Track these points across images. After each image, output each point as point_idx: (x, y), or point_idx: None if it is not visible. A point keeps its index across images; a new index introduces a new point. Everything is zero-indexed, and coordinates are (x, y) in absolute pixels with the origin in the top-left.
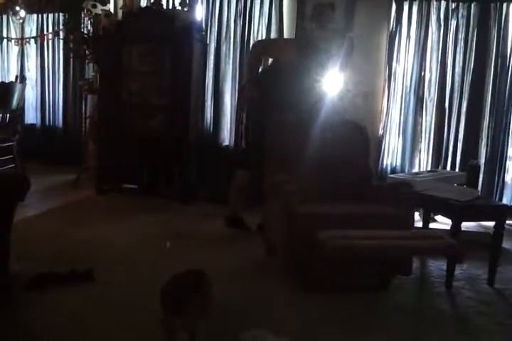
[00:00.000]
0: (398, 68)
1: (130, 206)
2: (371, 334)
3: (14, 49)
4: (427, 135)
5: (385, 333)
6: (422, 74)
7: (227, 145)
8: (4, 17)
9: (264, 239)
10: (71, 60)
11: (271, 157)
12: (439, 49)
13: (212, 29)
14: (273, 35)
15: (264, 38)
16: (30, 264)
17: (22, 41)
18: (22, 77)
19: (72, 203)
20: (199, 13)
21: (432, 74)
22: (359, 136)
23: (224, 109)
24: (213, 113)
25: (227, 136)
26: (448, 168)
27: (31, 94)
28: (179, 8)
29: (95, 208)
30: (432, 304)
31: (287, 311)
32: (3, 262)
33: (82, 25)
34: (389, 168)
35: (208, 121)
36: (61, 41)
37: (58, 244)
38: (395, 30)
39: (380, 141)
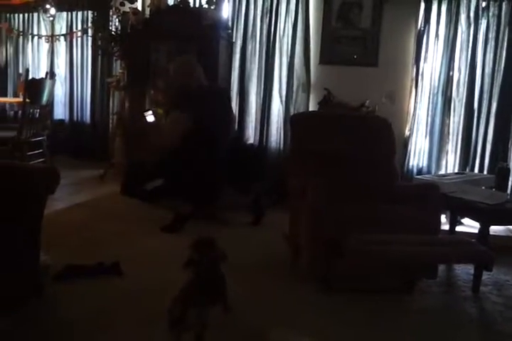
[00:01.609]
0: (426, 68)
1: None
2: (395, 336)
3: (44, 46)
4: (455, 136)
5: (409, 336)
6: (451, 74)
7: (252, 144)
8: (35, 15)
9: (288, 240)
10: (99, 57)
11: (294, 158)
12: (468, 48)
13: (239, 27)
14: (299, 33)
15: (289, 36)
16: (59, 256)
17: (52, 38)
18: (52, 74)
19: (100, 197)
20: (225, 11)
21: (460, 74)
22: (386, 134)
23: (249, 108)
24: (238, 112)
25: (252, 134)
26: (476, 170)
27: (60, 91)
28: (206, 6)
29: (121, 203)
30: (458, 308)
31: (310, 312)
32: (34, 253)
33: (111, 23)
34: (415, 169)
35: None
36: (90, 38)
37: (86, 237)
38: (423, 29)
39: (406, 141)
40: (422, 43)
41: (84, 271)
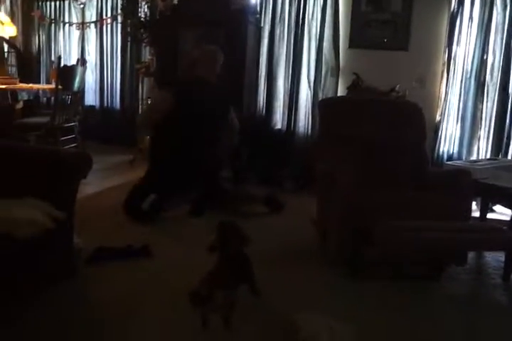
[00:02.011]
0: (459, 51)
1: None
2: (422, 323)
3: (75, 33)
4: (488, 121)
5: (437, 322)
6: (485, 57)
7: (279, 129)
8: (66, 3)
9: (316, 225)
10: (128, 43)
11: (323, 143)
12: (504, 31)
13: (267, 12)
14: (328, 17)
15: (318, 20)
16: (91, 239)
17: (83, 26)
18: (83, 61)
19: (129, 182)
20: None
21: (495, 58)
22: (416, 118)
23: (277, 93)
24: (266, 96)
25: (279, 119)
26: (509, 156)
27: (91, 77)
28: None
29: None
30: (488, 296)
31: (337, 296)
32: (68, 236)
33: (140, 10)
34: (445, 156)
35: (261, 104)
36: (119, 25)
37: (116, 221)
38: (457, 11)
39: (436, 127)
40: (454, 26)
41: (114, 253)
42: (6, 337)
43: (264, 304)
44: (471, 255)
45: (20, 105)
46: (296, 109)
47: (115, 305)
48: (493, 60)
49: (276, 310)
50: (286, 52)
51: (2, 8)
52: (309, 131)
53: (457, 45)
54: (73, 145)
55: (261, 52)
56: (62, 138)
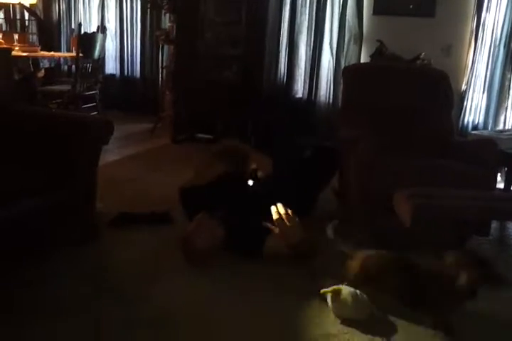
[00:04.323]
0: (488, 18)
1: (203, 155)
2: None
3: (95, 0)
4: None
5: None
6: None
7: (300, 98)
8: None
9: (338, 195)
10: (148, 10)
11: (346, 111)
12: None
13: None
14: None
15: None
16: (112, 205)
17: None
18: (103, 28)
19: (149, 150)
20: None
21: None
22: (443, 87)
23: (298, 61)
24: (287, 64)
25: (300, 88)
26: None
27: (111, 45)
28: None
29: (171, 155)
30: (509, 267)
31: None
32: (91, 201)
33: None
34: (470, 125)
35: (282, 72)
36: None
37: (137, 188)
38: None
39: (462, 96)
40: None
41: (137, 218)
42: (29, 293)
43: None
44: (494, 225)
45: (41, 73)
46: (318, 77)
47: (137, 264)
48: None
49: (288, 276)
50: (309, 19)
51: None
52: (331, 99)
53: (487, 11)
54: (94, 113)
55: (282, 19)
56: (84, 106)
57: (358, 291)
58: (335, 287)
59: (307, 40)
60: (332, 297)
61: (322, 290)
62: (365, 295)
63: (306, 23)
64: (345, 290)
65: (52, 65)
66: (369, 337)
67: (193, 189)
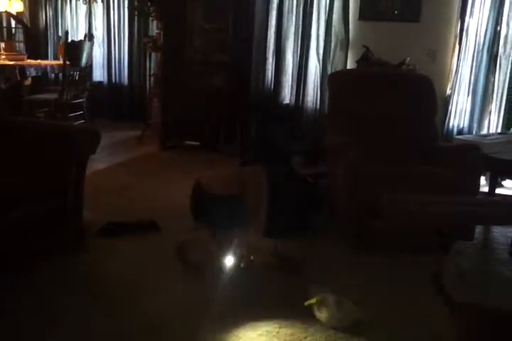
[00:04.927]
0: (471, 23)
1: (191, 162)
2: (426, 295)
3: (82, 8)
4: (499, 95)
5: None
6: (498, 29)
7: (287, 104)
8: None
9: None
10: (135, 17)
11: (332, 117)
12: None
13: None
14: None
15: None
16: (100, 213)
17: (89, 0)
18: (90, 36)
19: (138, 158)
20: None
21: (508, 29)
22: (427, 92)
23: (286, 67)
24: (275, 71)
25: (287, 94)
26: None
27: (98, 53)
28: None
29: (159, 163)
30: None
31: (343, 268)
32: (78, 210)
33: None
34: (455, 130)
35: (270, 78)
36: None
37: (125, 196)
38: None
39: (447, 100)
40: None
41: (124, 227)
42: (16, 303)
43: (278, 282)
44: (478, 230)
45: (28, 81)
46: (305, 83)
47: (125, 273)
48: (507, 32)
49: (282, 282)
50: (295, 24)
51: None
52: (318, 105)
53: (470, 16)
54: (82, 121)
55: (269, 26)
56: (71, 115)
57: (342, 298)
58: (317, 297)
59: (294, 47)
60: (317, 307)
61: (306, 303)
62: (350, 302)
63: (292, 29)
64: (330, 298)
65: (39, 74)
66: None
67: (210, 195)
